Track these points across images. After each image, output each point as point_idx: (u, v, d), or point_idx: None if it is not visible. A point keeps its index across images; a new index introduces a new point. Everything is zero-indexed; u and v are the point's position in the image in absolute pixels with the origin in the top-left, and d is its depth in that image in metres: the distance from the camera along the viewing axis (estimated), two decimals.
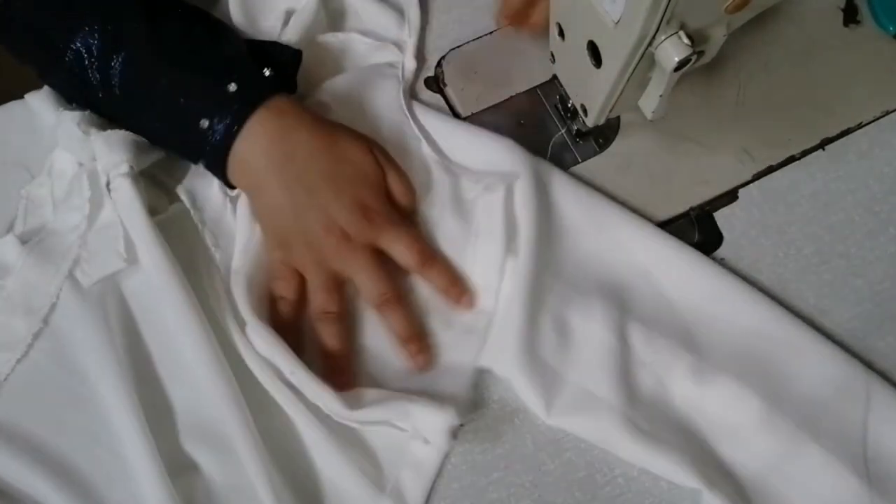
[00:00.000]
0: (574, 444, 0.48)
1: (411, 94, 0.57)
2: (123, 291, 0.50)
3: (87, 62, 0.47)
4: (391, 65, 0.57)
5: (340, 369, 0.49)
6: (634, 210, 0.53)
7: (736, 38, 0.47)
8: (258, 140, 0.47)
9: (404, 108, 0.55)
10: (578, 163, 0.55)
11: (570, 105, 0.53)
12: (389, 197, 0.51)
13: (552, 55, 0.52)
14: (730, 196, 0.54)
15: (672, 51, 0.40)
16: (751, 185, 0.54)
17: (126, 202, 0.49)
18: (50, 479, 0.46)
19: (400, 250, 0.49)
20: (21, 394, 0.48)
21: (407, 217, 0.52)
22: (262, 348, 0.48)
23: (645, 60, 0.42)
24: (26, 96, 0.53)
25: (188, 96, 0.48)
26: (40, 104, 0.52)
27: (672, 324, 0.50)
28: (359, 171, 0.49)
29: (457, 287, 0.50)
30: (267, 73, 0.49)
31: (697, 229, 0.53)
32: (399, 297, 0.50)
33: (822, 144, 0.55)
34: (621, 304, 0.50)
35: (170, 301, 0.48)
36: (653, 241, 0.51)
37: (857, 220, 0.53)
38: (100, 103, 0.50)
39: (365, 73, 0.57)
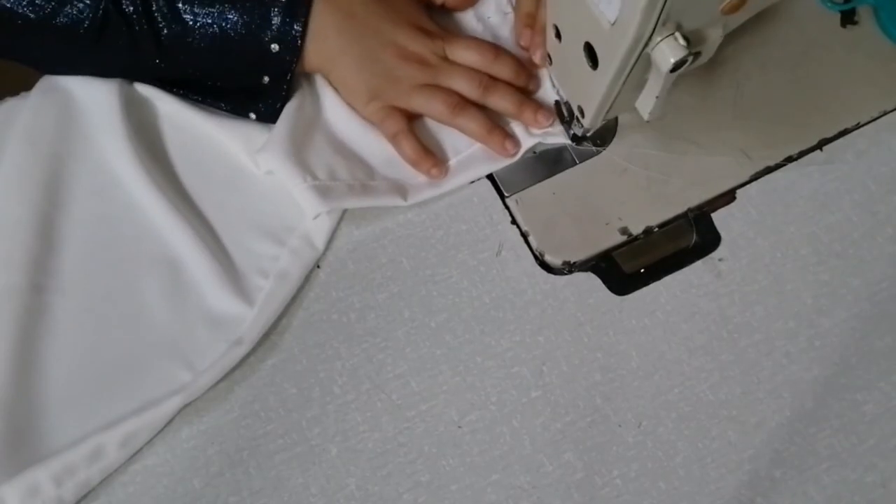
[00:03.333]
0: (573, 446, 0.48)
1: None
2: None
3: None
4: None
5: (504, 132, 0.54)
6: (633, 212, 0.53)
7: (733, 38, 0.47)
8: (323, 16, 0.51)
9: None
10: (576, 164, 0.55)
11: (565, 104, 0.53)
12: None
13: (549, 57, 0.52)
14: (727, 197, 0.54)
15: (668, 52, 0.40)
16: (748, 185, 0.54)
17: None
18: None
19: (468, 54, 0.53)
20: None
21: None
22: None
23: (641, 62, 0.42)
24: None
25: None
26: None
27: None
28: None
29: (526, 70, 0.54)
30: None
31: (695, 230, 0.53)
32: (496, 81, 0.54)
33: (820, 145, 0.55)
34: None
35: None
36: None
37: (854, 220, 0.53)
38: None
39: None
